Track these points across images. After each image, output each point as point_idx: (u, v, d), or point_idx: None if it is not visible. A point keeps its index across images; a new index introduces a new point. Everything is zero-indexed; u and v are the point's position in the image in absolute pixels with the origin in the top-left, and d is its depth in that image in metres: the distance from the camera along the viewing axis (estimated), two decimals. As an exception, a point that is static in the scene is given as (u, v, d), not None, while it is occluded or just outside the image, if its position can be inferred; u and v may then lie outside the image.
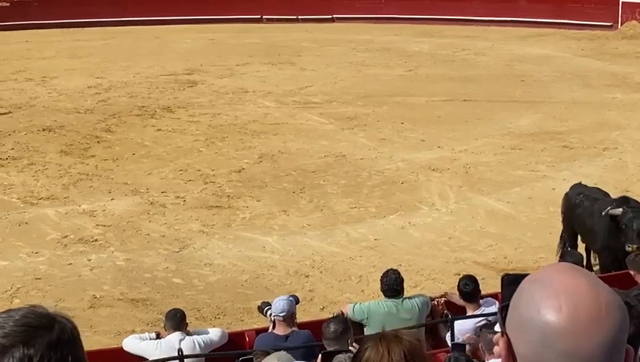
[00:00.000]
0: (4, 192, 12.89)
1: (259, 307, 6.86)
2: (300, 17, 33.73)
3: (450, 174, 13.79)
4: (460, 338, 6.32)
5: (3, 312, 1.38)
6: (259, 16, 34.06)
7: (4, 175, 13.78)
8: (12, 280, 9.79)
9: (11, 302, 9.21)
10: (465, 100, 18.98)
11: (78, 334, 1.39)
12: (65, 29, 31.64)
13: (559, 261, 8.09)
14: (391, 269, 6.98)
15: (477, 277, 7.47)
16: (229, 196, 12.86)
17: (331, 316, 6.13)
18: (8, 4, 33.25)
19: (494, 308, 6.83)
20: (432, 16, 32.29)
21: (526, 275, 1.41)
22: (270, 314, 6.44)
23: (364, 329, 6.54)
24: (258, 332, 6.54)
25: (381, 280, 6.81)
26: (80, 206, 12.33)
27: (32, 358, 1.30)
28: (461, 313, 6.88)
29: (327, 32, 30.68)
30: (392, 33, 29.86)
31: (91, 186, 13.28)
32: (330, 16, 33.90)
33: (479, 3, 31.61)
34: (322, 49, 27.06)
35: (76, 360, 1.35)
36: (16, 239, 11.07)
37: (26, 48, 27.51)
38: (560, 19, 29.91)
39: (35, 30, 31.14)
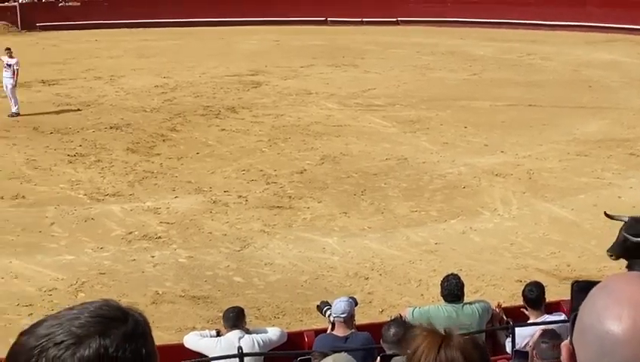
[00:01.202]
0: (71, 188, 13.19)
1: (318, 307, 6.86)
2: (364, 20, 33.71)
3: (513, 180, 13.63)
4: (521, 344, 6.24)
5: (78, 305, 1.41)
6: (323, 19, 34.15)
7: (72, 171, 14.11)
8: (77, 275, 10.00)
9: (76, 296, 9.42)
10: (530, 105, 18.73)
11: (150, 329, 1.41)
12: (133, 29, 32.25)
13: (628, 270, 7.94)
14: (451, 274, 6.92)
15: (538, 285, 7.35)
16: (290, 197, 12.93)
17: (390, 319, 6.10)
18: (79, 4, 34.03)
19: (557, 317, 6.72)
20: (497, 20, 31.94)
21: (597, 283, 1.39)
22: (329, 315, 6.45)
23: (424, 333, 6.49)
24: (317, 332, 6.56)
25: (441, 284, 6.75)
26: (144, 203, 12.55)
27: (108, 349, 1.32)
28: (521, 320, 6.79)
29: (391, 34, 30.60)
30: (457, 37, 29.63)
31: (156, 184, 13.50)
32: (394, 19, 33.80)
33: (546, 7, 31.11)
34: (386, 52, 27.00)
35: (148, 354, 1.37)
36: (82, 234, 11.31)
37: (95, 47, 28.11)
38: (629, 24, 29.26)
39: (104, 30, 31.82)
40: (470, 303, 6.76)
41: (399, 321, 5.69)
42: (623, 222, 7.96)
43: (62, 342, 1.32)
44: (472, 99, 19.67)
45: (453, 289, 6.64)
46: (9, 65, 18.09)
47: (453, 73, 23.39)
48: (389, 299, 9.43)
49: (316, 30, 32.15)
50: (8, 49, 18.48)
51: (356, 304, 6.84)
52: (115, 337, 1.33)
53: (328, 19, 34.19)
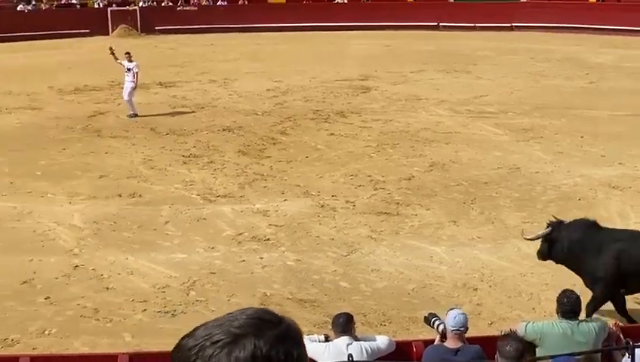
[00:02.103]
0: (185, 188, 13.53)
1: (425, 318, 6.76)
2: (477, 25, 33.24)
3: (631, 193, 13.12)
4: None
5: (237, 310, 1.53)
6: (435, 23, 33.88)
7: (186, 172, 14.47)
8: (189, 273, 10.22)
9: (187, 294, 9.64)
10: (651, 116, 18.03)
11: (302, 334, 1.52)
12: (247, 34, 32.86)
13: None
14: (569, 289, 6.69)
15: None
16: (398, 203, 12.85)
17: (501, 333, 5.96)
18: (196, 9, 34.94)
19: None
20: (617, 26, 30.89)
21: None
22: (437, 325, 6.36)
23: (537, 349, 6.33)
24: (426, 342, 6.48)
25: (559, 300, 6.54)
26: (254, 205, 12.73)
27: (262, 348, 1.42)
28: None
29: (505, 40, 30.06)
30: (574, 43, 28.82)
31: (265, 186, 13.68)
32: (509, 25, 33.18)
33: (670, 13, 29.91)
34: (499, 58, 26.54)
35: (300, 357, 1.46)
36: (194, 233, 11.57)
37: (210, 51, 28.79)
38: None
39: (220, 34, 32.56)
40: (586, 321, 6.53)
41: (517, 337, 5.55)
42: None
43: (219, 341, 1.43)
44: (589, 108, 19.09)
45: (574, 306, 6.42)
46: (129, 70, 18.71)
47: (568, 81, 22.77)
48: (499, 312, 9.22)
49: (428, 35, 31.92)
50: (128, 53, 19.11)
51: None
52: (268, 338, 1.43)
53: (440, 24, 33.88)
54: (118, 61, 18.97)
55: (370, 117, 18.63)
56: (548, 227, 8.74)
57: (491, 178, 14.02)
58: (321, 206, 12.73)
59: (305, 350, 1.49)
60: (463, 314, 6.27)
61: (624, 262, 8.20)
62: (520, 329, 6.39)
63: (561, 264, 8.81)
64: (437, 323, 6.41)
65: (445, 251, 10.95)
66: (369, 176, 14.24)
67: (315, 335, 6.42)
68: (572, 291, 6.67)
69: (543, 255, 8.85)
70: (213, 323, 1.48)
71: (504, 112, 18.93)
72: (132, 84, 18.60)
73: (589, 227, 8.54)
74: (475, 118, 18.44)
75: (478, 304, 9.41)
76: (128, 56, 18.94)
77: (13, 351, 8.24)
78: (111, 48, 19.21)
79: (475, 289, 9.79)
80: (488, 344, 6.14)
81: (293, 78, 23.27)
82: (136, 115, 18.50)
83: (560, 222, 8.71)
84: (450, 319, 6.14)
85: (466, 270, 10.33)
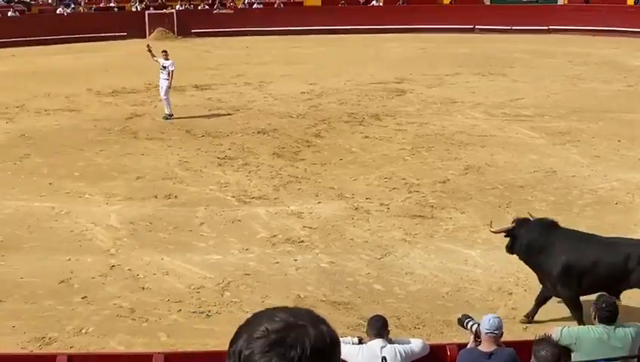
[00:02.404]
0: (220, 190, 13.62)
1: (459, 319, 6.75)
2: (513, 28, 33.01)
3: (670, 197, 12.96)
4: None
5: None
6: (471, 26, 33.71)
7: (221, 173, 14.57)
8: (224, 274, 10.29)
9: (222, 295, 9.71)
10: (690, 120, 17.77)
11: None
12: (283, 37, 32.98)
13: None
14: (605, 294, 6.64)
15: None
16: (432, 206, 12.81)
17: (538, 338, 5.92)
18: (232, 12, 35.16)
19: None
20: (656, 28, 30.50)
21: None
22: (471, 326, 6.34)
23: (572, 354, 6.28)
24: (460, 346, 6.46)
25: (596, 304, 6.47)
26: (289, 207, 12.78)
27: (321, 335, 1.59)
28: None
29: (542, 43, 29.83)
30: (612, 46, 28.51)
31: (300, 189, 13.72)
32: (546, 27, 32.90)
33: None
34: (536, 61, 26.34)
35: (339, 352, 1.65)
36: (229, 235, 11.65)
37: (246, 54, 28.95)
38: None
39: (255, 37, 32.72)
40: (623, 326, 6.46)
41: (552, 342, 5.52)
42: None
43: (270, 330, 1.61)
44: (626, 112, 18.87)
45: (612, 311, 6.36)
46: (164, 67, 18.86)
47: (606, 84, 22.53)
48: (535, 317, 9.15)
49: (463, 38, 31.78)
50: (165, 51, 19.26)
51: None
52: (321, 330, 1.62)
53: (476, 26, 33.71)
54: (155, 58, 19.10)
55: (405, 120, 18.60)
56: (513, 223, 9.00)
57: (527, 181, 13.93)
58: (355, 208, 12.73)
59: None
60: (498, 317, 6.26)
61: (573, 261, 8.45)
62: (555, 333, 6.34)
63: (523, 261, 9.05)
64: (470, 324, 6.40)
65: (480, 254, 10.90)
66: (403, 178, 14.22)
67: (349, 338, 6.42)
68: (609, 296, 6.61)
69: (508, 249, 9.10)
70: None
71: (540, 115, 18.78)
72: (167, 82, 18.74)
73: (546, 227, 8.77)
74: (511, 121, 18.32)
75: (512, 308, 9.35)
76: (165, 54, 19.06)
77: (51, 349, 8.37)
78: (148, 45, 19.38)
79: (510, 294, 9.74)
80: (523, 348, 6.11)
81: (328, 81, 23.31)
82: (171, 116, 18.65)
83: (525, 220, 8.95)
84: (485, 322, 6.12)
85: (501, 274, 10.28)
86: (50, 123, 18.58)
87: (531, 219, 8.98)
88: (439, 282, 10.06)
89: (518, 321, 9.01)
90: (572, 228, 9.25)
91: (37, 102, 20.82)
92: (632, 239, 8.89)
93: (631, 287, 8.47)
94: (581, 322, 8.25)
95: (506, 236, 9.03)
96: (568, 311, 8.79)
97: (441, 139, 16.78)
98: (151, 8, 35.35)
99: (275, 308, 1.66)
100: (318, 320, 1.62)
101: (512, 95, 21.04)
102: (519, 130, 17.45)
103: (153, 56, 19.08)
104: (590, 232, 9.06)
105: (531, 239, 8.72)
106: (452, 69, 25.01)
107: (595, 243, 8.58)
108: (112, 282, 10.06)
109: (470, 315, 6.70)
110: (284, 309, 1.65)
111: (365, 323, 6.89)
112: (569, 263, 8.48)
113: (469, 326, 6.41)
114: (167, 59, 18.90)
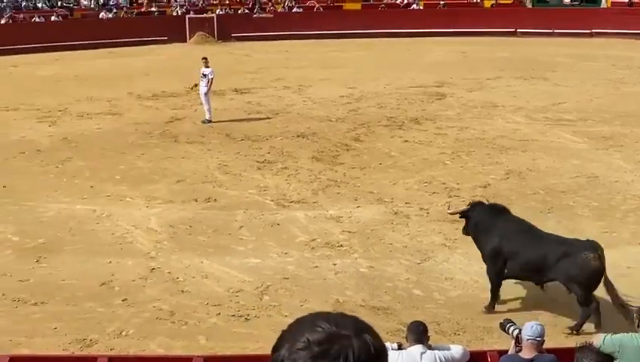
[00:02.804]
0: (259, 194, 13.65)
1: (501, 324, 6.68)
2: (555, 31, 32.65)
3: None
4: None
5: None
6: (513, 30, 33.41)
7: (261, 177, 14.60)
8: (263, 278, 10.31)
9: (261, 299, 9.72)
10: None
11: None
12: (322, 40, 32.99)
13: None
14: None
15: None
16: (473, 211, 12.68)
17: (579, 345, 5.83)
18: (272, 16, 35.28)
19: None
20: (702, 31, 29.94)
21: None
22: (512, 331, 6.28)
23: (614, 362, 6.18)
24: (500, 353, 6.38)
25: (637, 311, 6.36)
26: (327, 211, 12.76)
27: (365, 346, 1.55)
28: None
29: (584, 47, 29.45)
30: (657, 49, 28.03)
31: (339, 193, 13.69)
32: (588, 31, 32.49)
33: None
34: (578, 64, 26.02)
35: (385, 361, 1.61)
36: (268, 239, 11.66)
37: (285, 58, 29.01)
38: None
39: (294, 40, 32.78)
40: (668, 334, 6.32)
41: (593, 349, 5.42)
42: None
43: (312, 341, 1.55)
44: (672, 116, 18.54)
45: None
46: (205, 75, 19.00)
47: (650, 88, 22.16)
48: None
49: (505, 41, 31.49)
50: (205, 58, 19.40)
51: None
52: (364, 338, 1.56)
53: (518, 30, 33.39)
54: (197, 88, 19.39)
55: (445, 124, 18.48)
56: (469, 205, 9.85)
57: (569, 186, 13.75)
58: (395, 213, 12.67)
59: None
60: (540, 324, 6.18)
61: (503, 247, 9.23)
62: (598, 341, 6.23)
63: (473, 241, 9.79)
64: (512, 328, 6.34)
65: (521, 260, 10.75)
66: (443, 183, 14.12)
67: (388, 343, 6.38)
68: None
69: (464, 230, 9.95)
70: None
71: (583, 120, 18.54)
72: (205, 89, 18.89)
73: (495, 211, 9.61)
74: (553, 125, 18.11)
75: (554, 315, 9.22)
76: (205, 61, 19.20)
77: (92, 351, 8.44)
78: (194, 85, 19.69)
79: (553, 300, 9.60)
80: (565, 356, 6.02)
81: (367, 85, 23.26)
82: (209, 122, 18.77)
83: (480, 203, 9.86)
84: (527, 328, 6.05)
85: (542, 280, 10.12)
86: (91, 126, 18.80)
87: (485, 203, 9.87)
88: (480, 288, 9.96)
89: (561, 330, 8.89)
90: (523, 218, 9.77)
91: (79, 105, 21.09)
92: (567, 239, 9.37)
93: (552, 281, 9.15)
94: (494, 298, 9.31)
95: (461, 217, 9.85)
96: (612, 320, 8.64)
97: (481, 144, 16.64)
98: (191, 13, 35.62)
99: (318, 314, 1.60)
100: (362, 329, 1.57)
101: (554, 99, 20.79)
102: (561, 135, 17.23)
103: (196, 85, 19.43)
104: (534, 225, 9.54)
105: (480, 220, 9.52)
106: (493, 73, 24.80)
107: (528, 235, 9.24)
108: (152, 285, 10.13)
109: (513, 320, 6.64)
110: (327, 316, 1.58)
111: (404, 329, 6.84)
112: (499, 247, 9.25)
113: (510, 331, 6.35)
114: (207, 67, 19.02)
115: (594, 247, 8.92)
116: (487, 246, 9.41)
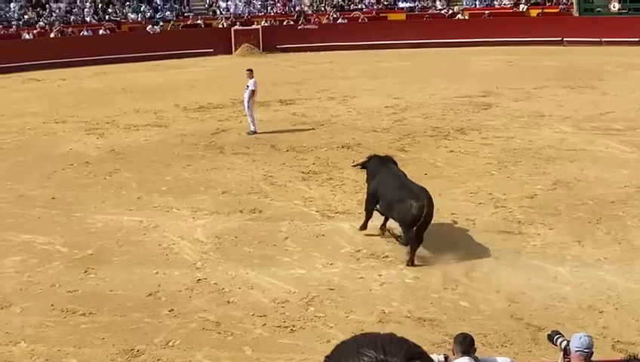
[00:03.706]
0: (304, 204, 13.67)
1: (549, 335, 6.60)
2: (603, 40, 32.22)
3: None
4: None
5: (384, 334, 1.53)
6: (559, 39, 33.05)
7: (306, 188, 14.63)
8: (308, 289, 10.31)
9: (306, 310, 9.72)
10: None
11: None
12: (367, 51, 33.01)
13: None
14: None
15: None
16: (520, 222, 12.56)
17: (625, 358, 5.73)
18: (317, 27, 35.41)
19: None
20: None
21: None
22: (560, 342, 6.20)
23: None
24: (548, 366, 6.31)
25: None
26: (373, 222, 12.70)
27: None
28: None
29: (633, 55, 28.99)
30: None
31: (384, 203, 13.63)
32: (637, 40, 31.99)
33: None
34: (627, 73, 25.62)
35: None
36: (313, 249, 11.67)
37: (330, 68, 29.09)
38: None
39: (339, 51, 32.86)
40: None
41: (638, 360, 5.32)
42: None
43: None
44: None
45: None
46: (248, 87, 19.09)
47: (701, 96, 21.73)
48: (626, 336, 8.86)
49: (551, 50, 31.18)
50: (249, 70, 19.49)
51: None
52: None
53: (564, 39, 33.03)
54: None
55: (491, 134, 18.33)
56: (367, 158, 12.54)
57: (618, 197, 13.52)
58: (441, 224, 12.58)
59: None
60: (589, 336, 6.08)
61: (379, 187, 11.70)
62: (648, 354, 6.12)
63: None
64: (560, 340, 6.27)
65: (570, 272, 10.62)
66: (490, 193, 13.99)
67: (434, 355, 6.33)
68: None
69: (367, 181, 12.44)
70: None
71: (632, 129, 18.24)
72: (248, 101, 18.96)
73: (383, 161, 12.22)
74: (601, 135, 17.85)
75: (603, 327, 9.07)
76: (250, 73, 19.26)
77: (139, 361, 8.52)
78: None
79: (601, 312, 9.45)
80: (614, 369, 5.91)
81: (412, 95, 23.19)
82: (254, 133, 18.85)
83: (376, 156, 12.58)
84: (576, 340, 5.96)
85: (591, 291, 9.98)
86: (138, 138, 19.03)
87: (379, 156, 12.57)
88: (527, 299, 9.84)
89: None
90: (403, 170, 12.26)
91: (126, 117, 21.39)
92: (408, 187, 11.39)
93: (395, 220, 11.43)
94: (365, 224, 12.05)
95: (361, 168, 12.54)
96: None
97: (528, 154, 16.47)
98: (237, 25, 35.94)
99: (364, 339, 1.44)
100: (411, 355, 1.41)
101: (602, 108, 20.50)
102: (609, 144, 16.97)
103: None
104: (405, 175, 11.94)
105: (371, 167, 12.20)
106: (539, 82, 24.55)
107: (394, 182, 11.54)
108: (198, 295, 10.20)
109: (561, 332, 6.55)
110: (375, 341, 1.43)
111: (450, 341, 6.79)
112: (375, 188, 11.82)
113: (558, 343, 6.27)
114: (251, 78, 19.07)
115: (419, 197, 11.00)
116: (370, 187, 12.06)
